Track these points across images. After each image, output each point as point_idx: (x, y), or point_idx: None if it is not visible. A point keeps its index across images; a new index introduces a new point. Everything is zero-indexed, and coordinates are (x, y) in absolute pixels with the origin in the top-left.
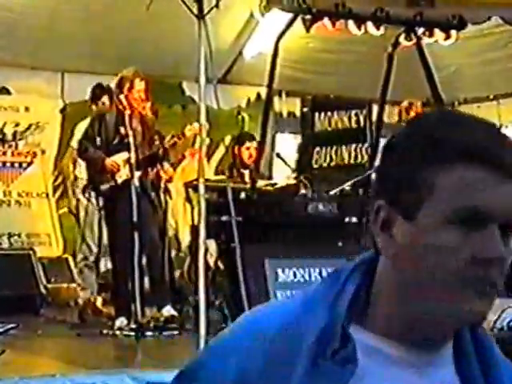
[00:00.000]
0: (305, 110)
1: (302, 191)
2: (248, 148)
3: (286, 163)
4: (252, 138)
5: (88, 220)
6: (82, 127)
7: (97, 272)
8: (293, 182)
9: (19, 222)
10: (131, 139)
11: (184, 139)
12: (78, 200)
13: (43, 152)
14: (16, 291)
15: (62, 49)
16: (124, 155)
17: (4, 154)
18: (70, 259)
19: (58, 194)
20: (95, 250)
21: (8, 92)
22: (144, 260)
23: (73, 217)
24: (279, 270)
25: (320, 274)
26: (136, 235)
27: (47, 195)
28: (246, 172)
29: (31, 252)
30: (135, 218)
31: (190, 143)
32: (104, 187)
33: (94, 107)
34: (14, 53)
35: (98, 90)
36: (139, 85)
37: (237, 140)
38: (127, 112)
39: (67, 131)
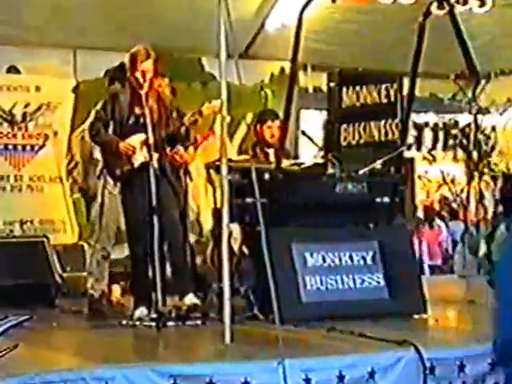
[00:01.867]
0: (331, 84)
1: (330, 170)
2: (270, 127)
3: (312, 141)
4: (274, 116)
5: (104, 206)
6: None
7: (114, 260)
8: (320, 161)
9: (31, 207)
10: (148, 119)
11: (203, 118)
12: (94, 184)
13: (55, 134)
14: (29, 281)
15: (74, 25)
16: (140, 136)
17: (14, 136)
18: (86, 247)
19: (71, 178)
20: (113, 237)
21: (17, 71)
22: (165, 246)
23: (86, 203)
24: (307, 255)
25: (351, 258)
26: (155, 220)
27: (60, 179)
28: (271, 151)
29: (45, 239)
30: (154, 202)
31: (211, 122)
32: (120, 171)
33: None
34: (24, 29)
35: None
36: (153, 61)
37: (258, 118)
38: (142, 90)
39: (80, 111)
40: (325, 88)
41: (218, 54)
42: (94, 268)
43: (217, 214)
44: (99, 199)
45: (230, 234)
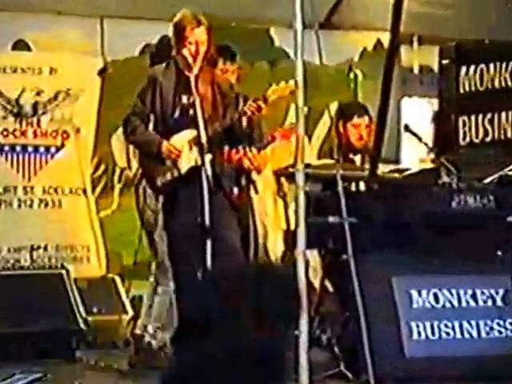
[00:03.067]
0: (445, 62)
1: (444, 179)
2: (356, 125)
3: (419, 139)
4: (362, 111)
5: (144, 226)
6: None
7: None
8: (429, 166)
9: (45, 229)
10: (199, 110)
11: (268, 105)
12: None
13: (77, 131)
14: (43, 327)
15: None
16: (189, 134)
17: (23, 134)
18: (118, 280)
19: (99, 189)
20: (154, 267)
21: (27, 47)
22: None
23: (120, 221)
24: (413, 292)
25: (474, 297)
26: (208, 245)
27: (84, 191)
28: (357, 158)
29: (63, 272)
30: (207, 221)
31: (282, 114)
32: (162, 180)
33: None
34: None
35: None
36: (206, 30)
37: (341, 113)
38: (192, 72)
39: (109, 101)
40: (436, 67)
41: (292, 23)
42: (128, 306)
43: (290, 238)
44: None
45: (308, 264)
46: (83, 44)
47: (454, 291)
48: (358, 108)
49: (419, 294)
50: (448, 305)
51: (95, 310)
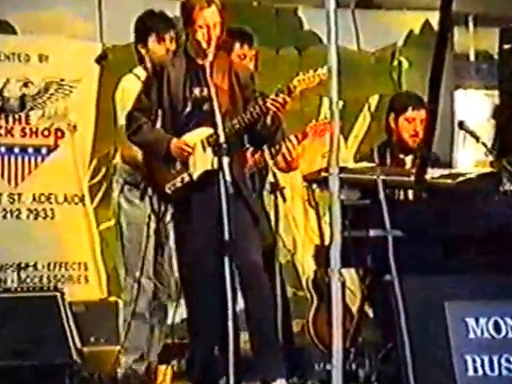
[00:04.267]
0: (506, 46)
1: (506, 185)
2: (411, 119)
3: (476, 138)
4: (418, 102)
5: (132, 237)
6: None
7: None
8: (489, 170)
9: (35, 244)
10: (215, 105)
11: (293, 98)
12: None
13: (73, 128)
14: (30, 360)
15: None
16: (203, 132)
17: (8, 132)
18: (121, 304)
19: (98, 197)
20: (150, 287)
21: (12, 30)
22: (241, 303)
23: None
24: (470, 320)
25: None
26: (227, 263)
27: (81, 200)
28: (409, 158)
29: (57, 294)
30: (226, 235)
31: (313, 109)
32: (172, 187)
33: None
34: None
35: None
36: (218, 10)
37: (391, 105)
38: (205, 59)
39: (110, 93)
40: (495, 53)
41: (324, 1)
42: (130, 336)
43: (323, 254)
44: (126, 229)
45: (344, 285)
46: (78, 26)
47: None
48: (413, 99)
49: (477, 322)
50: (511, 335)
51: (93, 339)
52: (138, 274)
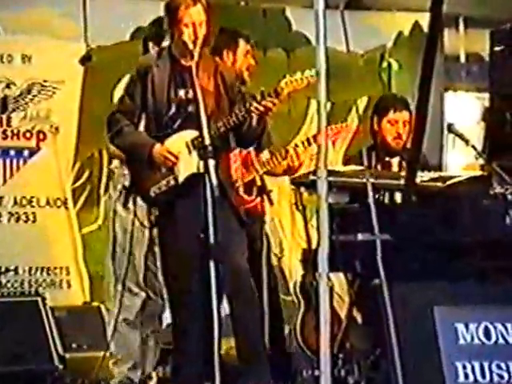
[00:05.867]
0: (497, 48)
1: (496, 189)
2: (393, 122)
3: (466, 142)
4: (402, 104)
5: (133, 246)
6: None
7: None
8: (478, 173)
9: (16, 248)
10: (201, 106)
11: (281, 100)
12: (115, 212)
13: (56, 130)
14: (11, 367)
15: None
16: (188, 134)
17: None
18: (104, 310)
19: (81, 200)
20: (141, 295)
21: None
22: (226, 308)
23: (106, 239)
24: (460, 326)
25: None
26: (212, 267)
27: (64, 203)
28: (395, 161)
29: (38, 299)
30: (211, 239)
31: (301, 112)
32: (157, 190)
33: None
34: None
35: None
36: (204, 9)
37: (375, 107)
38: (191, 60)
39: (94, 94)
40: (487, 55)
41: (313, 1)
42: (114, 342)
43: (310, 259)
44: (121, 234)
45: (332, 290)
46: (62, 27)
47: (509, 325)
48: (395, 101)
49: (466, 327)
50: (501, 341)
51: (75, 345)
52: (129, 281)
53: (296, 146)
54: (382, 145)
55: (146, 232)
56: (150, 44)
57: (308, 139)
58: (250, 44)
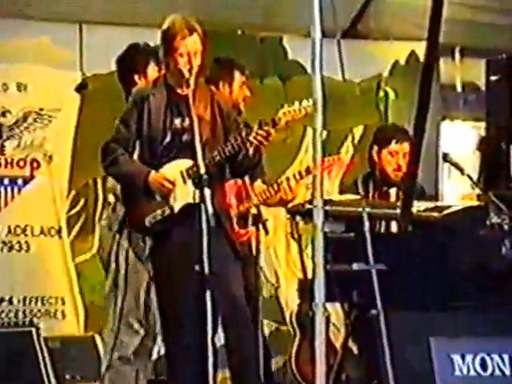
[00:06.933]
0: (493, 78)
1: (493, 219)
2: (394, 153)
3: (461, 171)
4: (403, 135)
5: (128, 277)
6: None
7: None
8: (475, 203)
9: (10, 277)
10: (196, 135)
11: (278, 130)
12: (118, 244)
13: (50, 159)
14: None
15: None
16: (183, 163)
17: None
18: (99, 340)
19: (76, 229)
20: (140, 330)
21: None
22: (221, 339)
23: (102, 269)
24: (456, 357)
25: None
26: (208, 297)
27: (58, 232)
28: (393, 191)
29: (32, 329)
30: (206, 269)
31: (297, 142)
32: (152, 220)
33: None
34: None
35: (140, 56)
36: (200, 38)
37: (375, 137)
38: (187, 89)
39: (89, 123)
40: (483, 84)
41: (310, 31)
42: (109, 374)
43: (306, 289)
44: (116, 266)
45: (328, 320)
46: (58, 55)
47: (505, 356)
48: (396, 132)
49: (463, 358)
50: (498, 373)
51: (68, 376)
52: (130, 317)
53: (288, 179)
54: (381, 175)
55: (147, 263)
56: (136, 76)
57: (300, 172)
58: (245, 75)
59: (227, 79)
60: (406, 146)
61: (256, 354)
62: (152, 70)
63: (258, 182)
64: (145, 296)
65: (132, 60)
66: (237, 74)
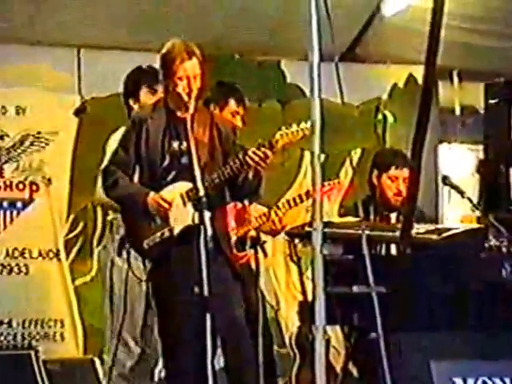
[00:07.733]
0: (492, 101)
1: (492, 241)
2: (394, 178)
3: (461, 194)
4: (403, 161)
5: (127, 299)
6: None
7: None
8: (475, 226)
9: (9, 300)
10: (194, 159)
11: (275, 153)
12: (112, 263)
13: (49, 182)
14: None
15: (79, 10)
16: (182, 186)
17: None
18: (98, 363)
19: (74, 252)
20: (137, 350)
21: None
22: (221, 362)
23: (101, 292)
24: (458, 380)
25: None
26: (208, 320)
27: (57, 254)
28: (394, 215)
29: (31, 352)
30: (206, 292)
31: (295, 164)
32: (150, 242)
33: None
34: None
35: (131, 81)
36: (199, 62)
37: (374, 162)
38: (186, 112)
39: (87, 146)
40: (481, 108)
41: (308, 55)
42: None
43: (306, 311)
44: (117, 287)
45: (328, 343)
46: (57, 78)
47: (507, 380)
48: (396, 157)
49: (464, 382)
50: None
51: None
52: (126, 335)
53: (278, 207)
54: (382, 199)
55: (144, 285)
56: (131, 101)
57: (300, 195)
58: (241, 106)
59: (220, 103)
60: (405, 172)
61: (256, 376)
62: (144, 94)
63: (254, 205)
64: (143, 315)
65: (125, 84)
66: (231, 102)
